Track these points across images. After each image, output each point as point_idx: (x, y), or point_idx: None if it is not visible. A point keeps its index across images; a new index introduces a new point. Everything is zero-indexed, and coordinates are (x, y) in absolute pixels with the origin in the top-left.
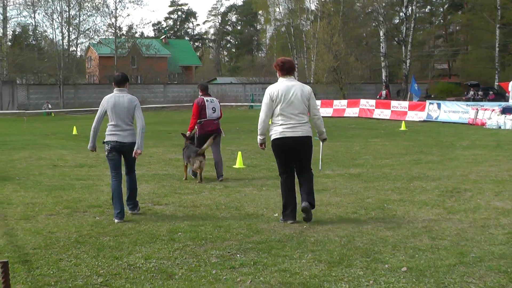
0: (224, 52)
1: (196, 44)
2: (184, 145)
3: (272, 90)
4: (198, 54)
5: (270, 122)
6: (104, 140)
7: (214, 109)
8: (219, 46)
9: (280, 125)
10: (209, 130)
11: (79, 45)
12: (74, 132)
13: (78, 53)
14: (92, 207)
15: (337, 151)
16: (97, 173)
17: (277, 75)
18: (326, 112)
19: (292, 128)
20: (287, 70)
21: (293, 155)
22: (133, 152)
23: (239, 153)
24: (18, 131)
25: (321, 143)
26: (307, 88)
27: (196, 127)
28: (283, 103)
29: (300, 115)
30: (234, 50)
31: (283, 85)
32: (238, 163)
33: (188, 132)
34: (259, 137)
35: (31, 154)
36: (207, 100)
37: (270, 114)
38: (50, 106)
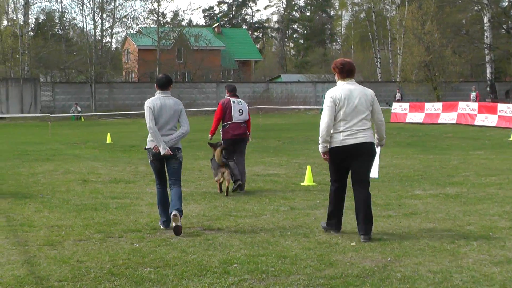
0: (290, 43)
1: (256, 34)
2: (212, 155)
3: (334, 93)
4: (258, 46)
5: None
6: (146, 147)
7: (241, 111)
8: (283, 36)
9: (341, 132)
10: (235, 134)
11: (114, 35)
12: (109, 140)
13: (113, 45)
14: (130, 232)
15: (430, 166)
16: (135, 190)
17: (336, 78)
18: (415, 117)
19: (354, 134)
20: (347, 72)
21: (351, 163)
22: (179, 157)
23: (308, 167)
24: (42, 139)
25: (378, 148)
26: (370, 91)
27: (220, 131)
28: (347, 108)
29: (363, 120)
30: (302, 42)
31: (345, 89)
32: (307, 180)
33: (210, 136)
34: (321, 146)
35: (57, 167)
36: (233, 102)
37: (333, 118)
38: (79, 108)
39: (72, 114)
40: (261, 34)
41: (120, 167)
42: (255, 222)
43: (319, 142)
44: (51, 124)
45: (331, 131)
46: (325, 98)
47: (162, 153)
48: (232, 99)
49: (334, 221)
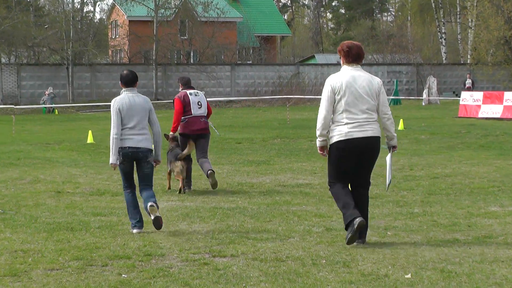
0: (328, 14)
1: (283, 1)
2: (168, 148)
3: (334, 80)
4: (285, 17)
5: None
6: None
7: (200, 103)
8: (319, 4)
9: (345, 124)
10: (195, 129)
11: (98, 3)
12: (90, 139)
13: (97, 16)
14: (116, 259)
15: (510, 174)
16: (124, 205)
17: (341, 62)
18: (491, 110)
19: (360, 126)
20: (353, 57)
21: (356, 160)
22: (152, 160)
23: None
24: (3, 138)
25: (389, 153)
26: (377, 80)
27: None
28: (348, 97)
29: (368, 111)
30: (343, 11)
31: (347, 75)
32: None
33: (171, 132)
34: (318, 140)
35: (23, 174)
36: (190, 94)
37: (331, 109)
38: (53, 95)
39: (43, 106)
40: (289, 1)
41: (105, 175)
42: (279, 247)
43: (317, 135)
44: (15, 118)
45: (335, 124)
46: (324, 86)
47: (110, 163)
48: (188, 91)
49: (351, 210)
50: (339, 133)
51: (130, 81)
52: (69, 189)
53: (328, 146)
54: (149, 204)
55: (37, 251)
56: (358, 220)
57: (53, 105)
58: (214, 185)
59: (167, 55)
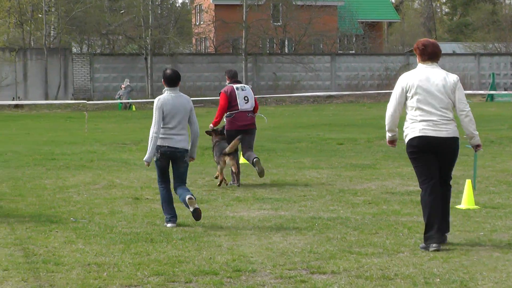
0: None
1: None
2: (213, 143)
3: (406, 78)
4: (393, 1)
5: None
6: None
7: (246, 98)
8: None
9: (420, 121)
10: (242, 125)
11: None
12: None
13: (179, 0)
14: (201, 274)
15: None
16: (210, 214)
17: (417, 60)
18: None
19: (435, 126)
20: (429, 55)
21: (433, 159)
22: (187, 159)
23: (468, 182)
24: (75, 137)
25: (474, 152)
26: (453, 77)
27: (225, 121)
28: (421, 95)
29: (443, 110)
30: None
31: (421, 73)
32: (467, 201)
33: (211, 125)
34: (388, 134)
35: (97, 178)
36: (237, 88)
37: (399, 108)
38: (130, 89)
39: (119, 101)
40: None
41: (189, 179)
42: (387, 263)
43: (386, 130)
44: (88, 115)
45: (409, 121)
46: (396, 83)
47: (144, 160)
48: (235, 86)
49: (433, 232)
50: (413, 130)
51: (173, 81)
52: (148, 195)
53: (405, 144)
54: (187, 196)
55: (112, 264)
56: (434, 247)
57: (130, 100)
58: (261, 173)
59: (258, 44)
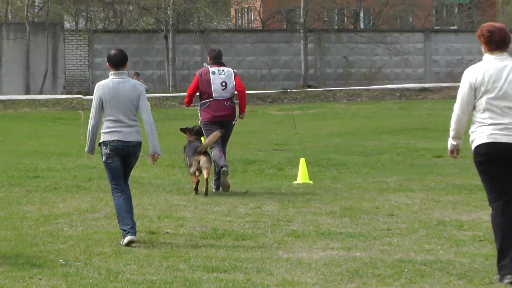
0: None
1: None
2: (186, 142)
3: (473, 73)
4: None
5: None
6: (100, 141)
7: (224, 84)
8: None
9: (489, 124)
10: (217, 116)
11: None
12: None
13: None
14: None
15: None
16: (258, 255)
17: (482, 49)
18: None
19: (507, 130)
20: (496, 43)
21: (504, 170)
22: (151, 157)
23: None
24: (66, 147)
25: None
26: None
27: (198, 111)
28: (492, 93)
29: None
30: None
31: (490, 66)
32: None
33: (185, 105)
34: (450, 141)
35: (96, 204)
36: (213, 72)
37: (468, 110)
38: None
39: None
40: None
41: (225, 206)
42: None
43: (450, 136)
44: (85, 115)
45: (476, 125)
46: (461, 80)
47: (86, 152)
48: (212, 69)
49: (507, 260)
50: (481, 135)
51: (118, 63)
52: (168, 227)
53: (472, 152)
54: (129, 237)
55: None
56: (509, 279)
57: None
58: (225, 187)
59: (322, 17)
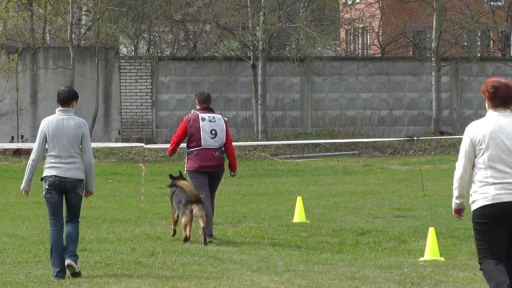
0: None
1: None
2: (171, 191)
3: (474, 130)
4: None
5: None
6: (42, 176)
7: (214, 132)
8: None
9: (492, 184)
10: (205, 166)
11: None
12: (300, 215)
13: None
14: None
15: None
16: None
17: (486, 105)
18: None
19: (511, 187)
20: (501, 99)
21: (508, 230)
22: (84, 192)
23: None
24: (121, 211)
25: None
26: None
27: (185, 159)
28: (493, 150)
29: None
30: None
31: (492, 123)
32: None
33: (168, 154)
34: (455, 201)
35: (161, 285)
36: (203, 119)
37: (470, 167)
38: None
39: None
40: None
41: None
42: None
43: (454, 196)
44: (146, 170)
45: (477, 184)
46: (463, 137)
47: (22, 188)
48: (201, 115)
49: None
50: (484, 196)
51: (64, 99)
52: None
53: (472, 212)
54: (67, 263)
55: None
56: None
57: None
58: (204, 243)
59: (460, 41)
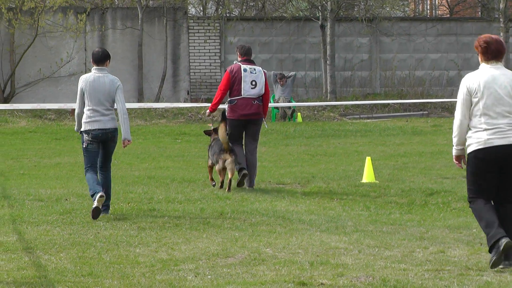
0: None
1: None
2: (211, 141)
3: (470, 81)
4: None
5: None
6: (82, 129)
7: (254, 83)
8: None
9: (484, 130)
10: (245, 114)
11: None
12: (369, 175)
13: None
14: None
15: None
16: None
17: (479, 59)
18: None
19: (501, 133)
20: (492, 53)
21: (500, 174)
22: (122, 142)
23: None
24: (190, 172)
25: None
26: None
27: (226, 108)
28: (487, 99)
29: (511, 115)
30: None
31: (486, 74)
32: None
33: (208, 111)
34: (454, 149)
35: (230, 246)
36: (244, 70)
37: (468, 114)
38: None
39: (273, 105)
40: None
41: (403, 250)
42: None
43: (453, 144)
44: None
45: (472, 130)
46: (460, 87)
47: (75, 130)
48: (243, 66)
49: (493, 230)
50: (477, 141)
51: (99, 59)
52: (323, 277)
53: (466, 156)
54: (100, 194)
55: None
56: (504, 240)
57: (293, 103)
58: (239, 185)
59: None
